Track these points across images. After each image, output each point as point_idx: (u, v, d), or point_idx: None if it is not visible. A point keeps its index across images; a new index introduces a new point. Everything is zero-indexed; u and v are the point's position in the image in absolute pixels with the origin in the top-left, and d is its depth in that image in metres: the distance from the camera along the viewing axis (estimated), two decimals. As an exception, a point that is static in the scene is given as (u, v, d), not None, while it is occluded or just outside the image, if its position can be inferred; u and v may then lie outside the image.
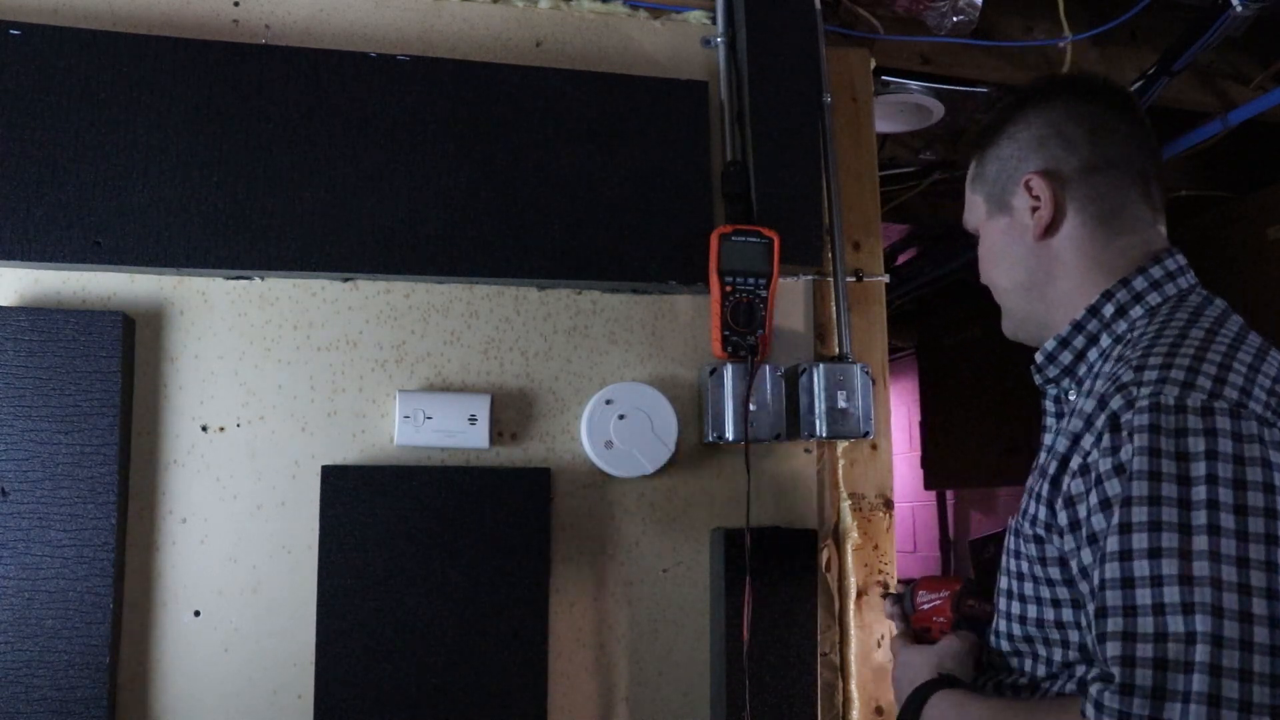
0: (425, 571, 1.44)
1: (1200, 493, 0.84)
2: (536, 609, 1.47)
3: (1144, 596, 0.83)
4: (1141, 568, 0.83)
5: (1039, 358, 1.12)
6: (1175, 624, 0.80)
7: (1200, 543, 0.82)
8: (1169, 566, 0.82)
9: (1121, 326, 1.04)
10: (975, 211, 1.18)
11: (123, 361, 1.40)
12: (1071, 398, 1.10)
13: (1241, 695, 0.77)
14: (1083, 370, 1.08)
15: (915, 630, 1.22)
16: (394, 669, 1.41)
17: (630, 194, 1.58)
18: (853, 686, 1.61)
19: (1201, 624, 0.79)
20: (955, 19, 1.91)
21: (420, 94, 1.53)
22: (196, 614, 1.42)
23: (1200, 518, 0.83)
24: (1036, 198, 1.09)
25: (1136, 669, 0.81)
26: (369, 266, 1.49)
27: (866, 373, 1.61)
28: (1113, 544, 0.86)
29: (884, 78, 2.15)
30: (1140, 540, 0.84)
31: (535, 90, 1.57)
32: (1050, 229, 1.09)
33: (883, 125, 2.38)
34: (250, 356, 1.48)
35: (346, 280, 1.52)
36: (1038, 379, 1.14)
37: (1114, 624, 0.84)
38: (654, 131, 1.61)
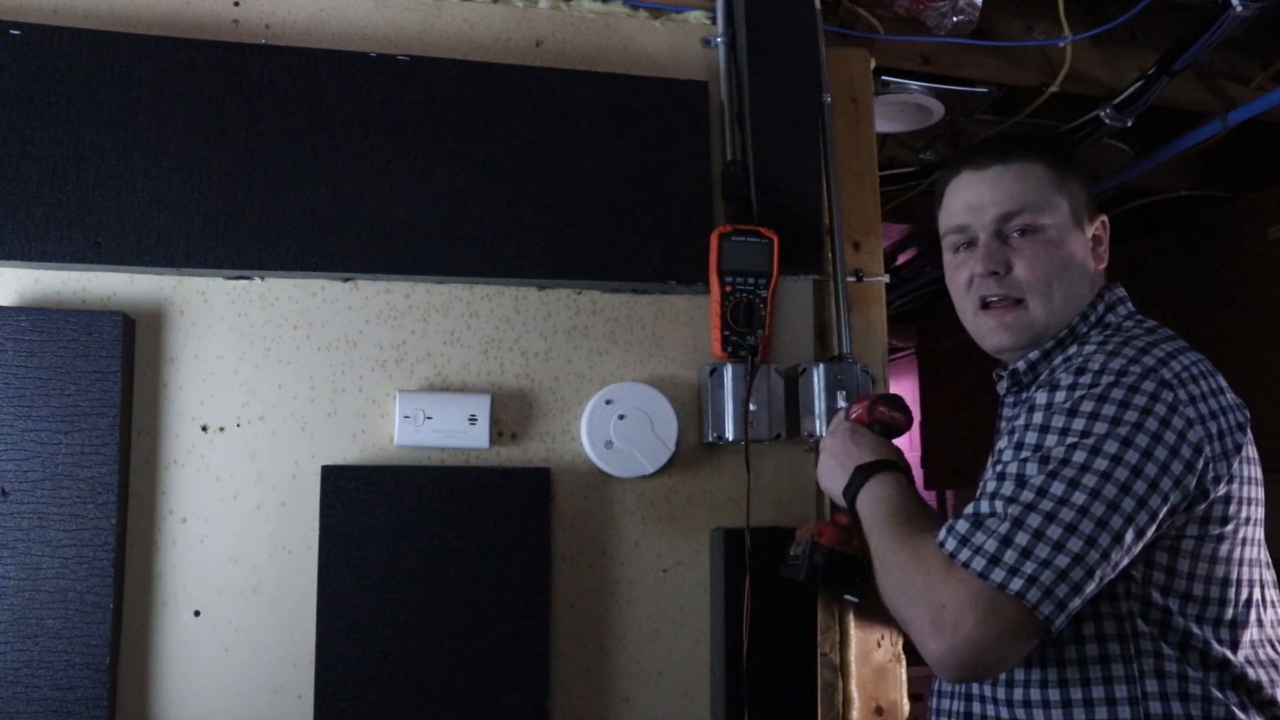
0: (425, 571, 1.44)
1: (1100, 427, 1.06)
2: (536, 609, 1.47)
3: (1014, 469, 1.09)
4: (1025, 459, 1.08)
5: (1021, 365, 1.27)
6: (1021, 494, 1.05)
7: (1078, 457, 1.05)
8: (1039, 467, 1.06)
9: (1080, 338, 1.22)
10: (1056, 212, 1.25)
11: (123, 361, 1.39)
12: (1030, 394, 1.24)
13: (1026, 545, 1.02)
14: (1044, 375, 1.23)
15: None
16: (394, 669, 1.41)
17: (630, 194, 1.58)
18: (853, 686, 1.61)
19: (1035, 501, 1.04)
20: (955, 19, 1.91)
21: (420, 94, 1.53)
22: (196, 614, 1.42)
23: (1090, 443, 1.05)
24: (1097, 236, 1.27)
25: (980, 503, 1.08)
26: (369, 266, 1.49)
27: (866, 373, 1.61)
28: (1019, 438, 1.10)
29: (884, 78, 2.15)
30: (1037, 437, 1.08)
31: (535, 90, 1.57)
32: (1099, 264, 1.27)
33: (883, 125, 2.38)
34: (250, 356, 1.48)
35: (346, 280, 1.52)
36: (1005, 383, 1.30)
37: (991, 485, 1.09)
38: (654, 131, 1.61)
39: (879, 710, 1.61)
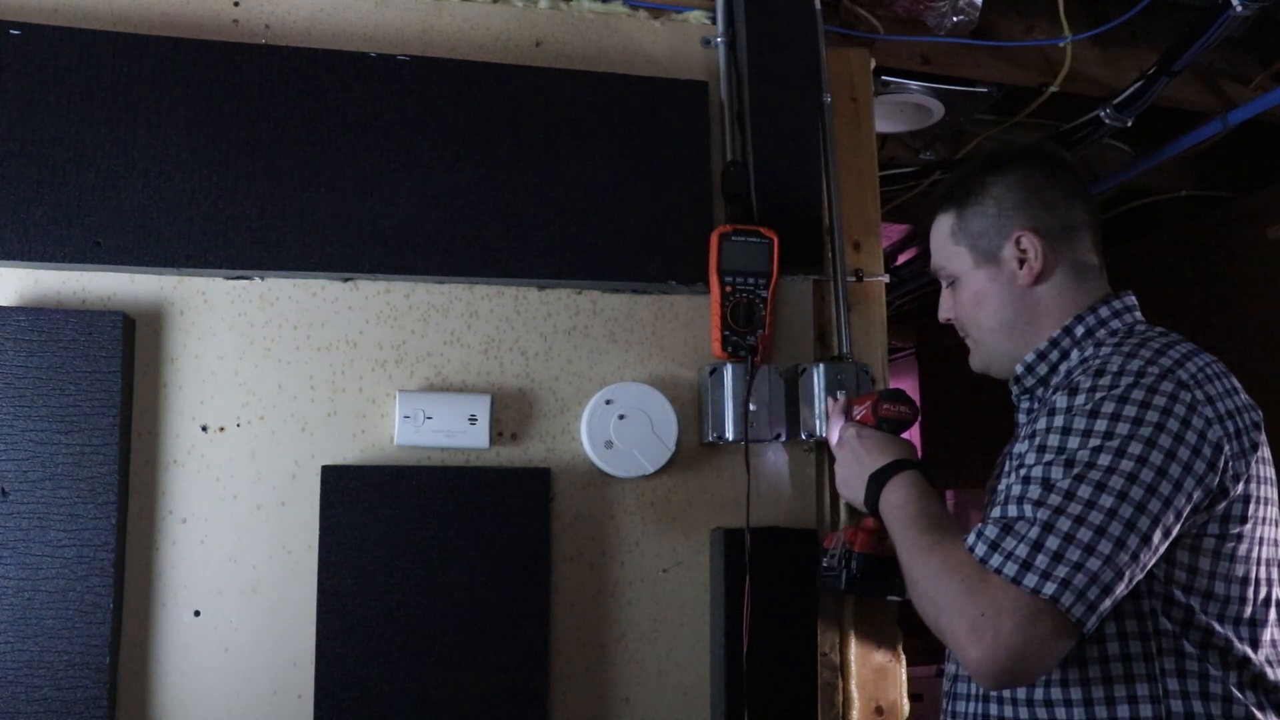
0: (425, 571, 1.44)
1: (1123, 428, 1.06)
2: (536, 609, 1.47)
3: (1038, 472, 1.08)
4: (1049, 462, 1.08)
5: (1019, 369, 1.28)
6: (1048, 497, 1.06)
7: (1103, 460, 1.05)
8: (1064, 470, 1.06)
9: (1089, 346, 1.22)
10: (958, 261, 1.33)
11: (123, 361, 1.39)
12: (1042, 399, 1.25)
13: (1057, 549, 1.03)
14: (1056, 380, 1.24)
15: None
16: (394, 669, 1.41)
17: (630, 194, 1.58)
18: (853, 686, 1.61)
19: (1063, 504, 1.05)
20: (955, 19, 1.91)
21: (420, 94, 1.53)
22: (196, 614, 1.42)
23: (1115, 445, 1.05)
24: (1024, 251, 1.26)
25: (1008, 507, 1.08)
26: (369, 266, 1.49)
27: (866, 372, 1.61)
28: (1041, 440, 1.10)
29: (884, 78, 2.15)
30: (1060, 440, 1.08)
31: (535, 90, 1.57)
32: (1039, 279, 1.26)
33: (883, 125, 2.38)
34: (250, 356, 1.48)
35: (346, 280, 1.52)
36: (1015, 389, 1.31)
37: (1016, 489, 1.09)
38: (654, 131, 1.61)
39: (879, 710, 1.61)
